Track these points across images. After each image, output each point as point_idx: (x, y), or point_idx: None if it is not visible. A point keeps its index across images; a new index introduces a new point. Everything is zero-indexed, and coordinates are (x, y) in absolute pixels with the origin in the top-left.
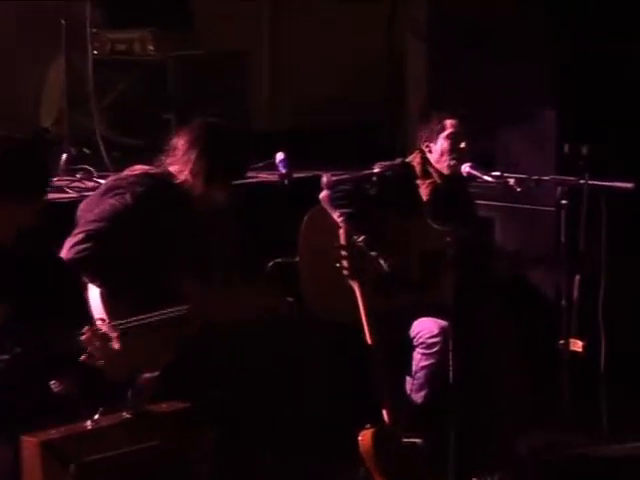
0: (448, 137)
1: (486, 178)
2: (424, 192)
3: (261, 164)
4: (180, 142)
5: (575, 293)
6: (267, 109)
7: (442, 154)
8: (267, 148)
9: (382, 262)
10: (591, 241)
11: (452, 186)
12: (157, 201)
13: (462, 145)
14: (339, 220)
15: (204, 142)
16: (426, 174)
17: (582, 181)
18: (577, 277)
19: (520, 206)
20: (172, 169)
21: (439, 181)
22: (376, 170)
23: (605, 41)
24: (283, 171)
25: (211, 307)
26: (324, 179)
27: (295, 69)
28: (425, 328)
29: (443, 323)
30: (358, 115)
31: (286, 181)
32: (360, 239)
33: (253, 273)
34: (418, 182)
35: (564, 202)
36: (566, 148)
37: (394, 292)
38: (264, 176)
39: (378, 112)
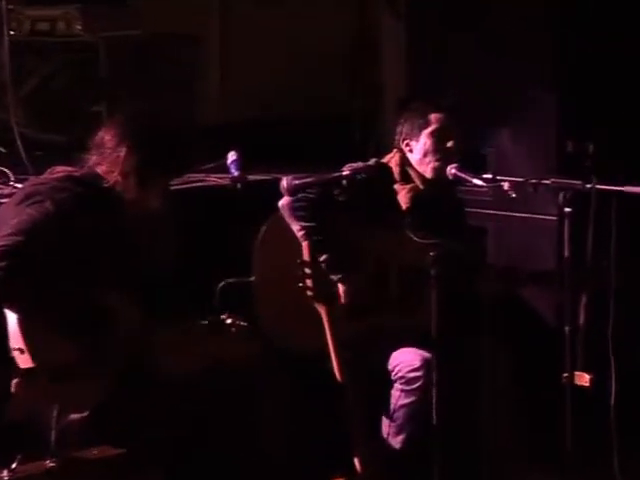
0: (432, 134)
1: (476, 182)
2: (403, 199)
3: (210, 165)
4: (107, 137)
5: (581, 317)
6: (217, 100)
7: (425, 154)
8: (217, 146)
9: (341, 290)
10: (600, 255)
11: (436, 192)
12: (83, 209)
13: (449, 144)
14: (301, 233)
15: (135, 136)
16: (405, 178)
17: (589, 185)
18: (583, 298)
19: (516, 214)
20: (99, 170)
21: (421, 186)
22: (346, 172)
23: (613, 26)
24: (235, 173)
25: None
26: (284, 183)
27: (250, 53)
28: (405, 360)
29: (426, 354)
30: (325, 107)
31: (239, 185)
32: (322, 259)
33: (198, 296)
34: (396, 187)
35: (568, 210)
36: (569, 146)
37: (368, 317)
38: (213, 179)
39: (348, 104)
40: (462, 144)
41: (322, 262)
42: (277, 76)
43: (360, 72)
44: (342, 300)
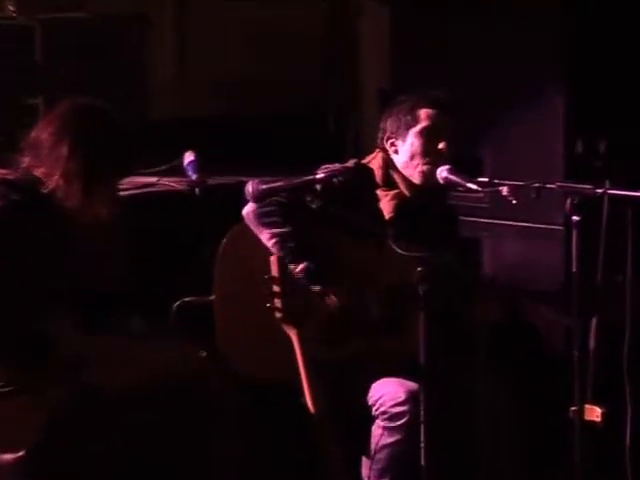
0: (422, 133)
1: (470, 186)
2: (387, 207)
3: (163, 166)
4: (44, 134)
5: (591, 342)
6: (172, 92)
7: (412, 156)
8: (172, 144)
9: (328, 300)
10: (613, 271)
11: (425, 199)
12: (19, 219)
13: (441, 145)
14: (270, 244)
15: (77, 132)
16: (389, 182)
17: (600, 190)
18: (594, 320)
19: (516, 224)
20: (38, 172)
21: (407, 193)
22: (320, 176)
23: (630, 10)
24: (193, 176)
25: (98, 366)
26: (249, 188)
27: (209, 39)
28: (388, 393)
29: (412, 386)
30: (295, 101)
31: (197, 190)
32: (298, 269)
33: (152, 316)
34: (379, 193)
35: (576, 218)
36: (578, 145)
37: (345, 342)
38: (167, 183)
39: (322, 96)
40: (456, 145)
41: (300, 272)
42: (241, 66)
43: (335, 60)
44: (331, 310)
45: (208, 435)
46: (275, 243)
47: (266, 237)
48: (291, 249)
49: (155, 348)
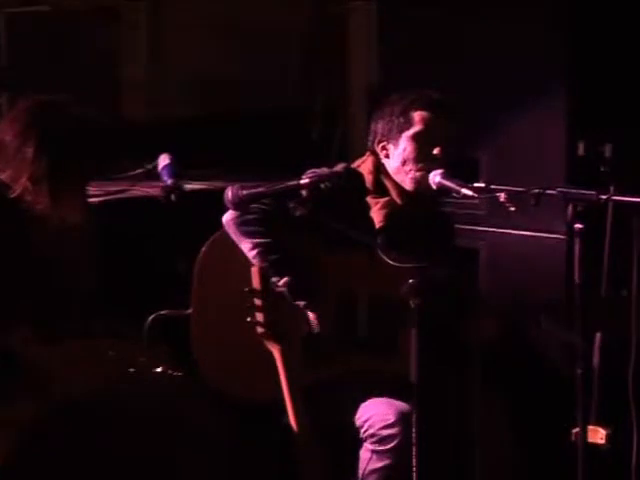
0: (415, 138)
1: (465, 192)
2: (377, 215)
3: (137, 171)
4: (8, 136)
5: (595, 358)
6: (146, 91)
7: (405, 162)
8: (146, 146)
9: (312, 317)
10: (618, 283)
11: (418, 207)
12: None
13: (435, 151)
14: (251, 254)
15: (43, 133)
16: (380, 189)
17: (604, 196)
18: (598, 336)
19: (515, 232)
20: (4, 176)
21: (398, 200)
22: (305, 181)
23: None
24: (168, 181)
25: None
26: (229, 194)
27: (184, 34)
28: (377, 414)
29: (403, 407)
30: (277, 100)
31: (173, 196)
32: (281, 282)
33: (125, 330)
34: (369, 200)
35: (578, 226)
36: (581, 148)
37: (332, 359)
38: (141, 188)
39: (305, 95)
40: (452, 150)
41: (283, 286)
42: (219, 64)
43: (320, 57)
44: (313, 329)
45: (176, 455)
46: (256, 254)
47: (247, 247)
48: (273, 261)
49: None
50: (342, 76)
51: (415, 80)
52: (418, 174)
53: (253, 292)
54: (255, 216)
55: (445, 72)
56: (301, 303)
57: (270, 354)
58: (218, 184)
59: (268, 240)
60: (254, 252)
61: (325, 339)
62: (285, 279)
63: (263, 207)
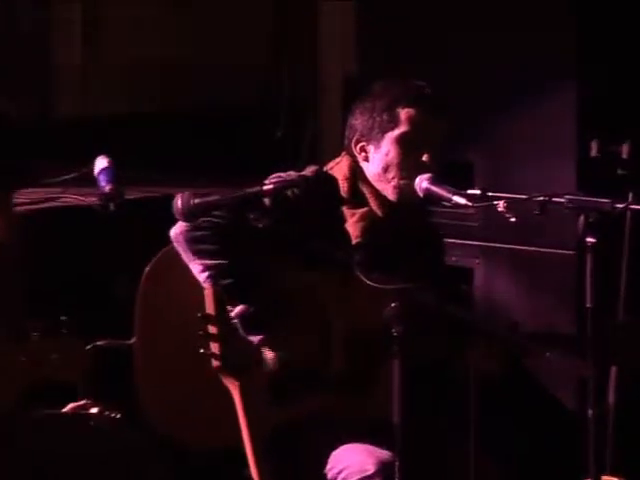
0: (401, 140)
1: (457, 200)
2: (354, 228)
3: (70, 175)
4: None
5: (610, 397)
6: (79, 84)
7: (387, 167)
8: (80, 147)
9: (269, 356)
10: (636, 307)
11: (401, 219)
12: None
13: (424, 157)
14: (201, 278)
15: None
16: (357, 197)
17: (621, 205)
18: (613, 370)
19: (517, 248)
20: None
21: (379, 211)
22: (269, 187)
23: None
24: (107, 188)
25: None
26: (179, 202)
27: (127, 14)
28: (353, 464)
29: (383, 454)
30: (238, 90)
31: (112, 204)
32: (234, 312)
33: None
34: (344, 211)
35: (591, 240)
36: (594, 148)
37: (300, 399)
38: (74, 196)
39: (271, 84)
40: (443, 155)
41: (236, 317)
42: (168, 49)
43: (288, 42)
44: (270, 371)
45: None
46: (207, 278)
47: (197, 269)
48: (227, 286)
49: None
50: (312, 63)
51: (399, 70)
52: (402, 182)
53: (207, 318)
54: (208, 232)
55: (436, 61)
56: (257, 338)
57: (228, 392)
58: (165, 191)
59: (221, 262)
60: (204, 275)
61: (292, 376)
62: (238, 309)
63: (218, 221)
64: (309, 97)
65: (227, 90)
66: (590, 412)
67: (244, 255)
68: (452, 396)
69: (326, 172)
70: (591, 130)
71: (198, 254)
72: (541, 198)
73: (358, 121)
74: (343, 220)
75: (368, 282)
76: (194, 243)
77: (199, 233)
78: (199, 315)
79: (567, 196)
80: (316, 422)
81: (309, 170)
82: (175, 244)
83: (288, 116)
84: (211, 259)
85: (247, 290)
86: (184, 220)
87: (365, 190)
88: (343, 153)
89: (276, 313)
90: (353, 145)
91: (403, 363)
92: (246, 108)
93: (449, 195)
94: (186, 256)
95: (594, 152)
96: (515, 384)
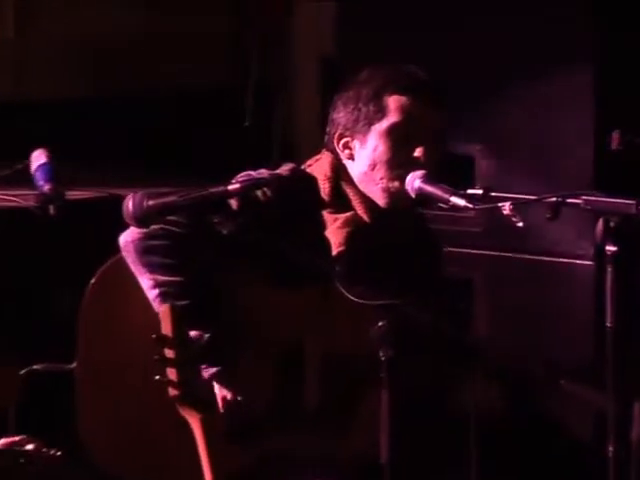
0: (391, 133)
1: (456, 201)
2: (336, 235)
3: (2, 172)
4: None
5: (635, 432)
6: (12, 65)
7: (375, 165)
8: (12, 138)
9: (221, 395)
10: None
11: (391, 226)
12: None
13: (417, 152)
14: (151, 295)
15: None
16: (340, 200)
17: None
18: (638, 404)
19: (525, 257)
20: None
21: (365, 217)
22: (235, 186)
23: None
24: (45, 187)
25: None
26: (130, 204)
27: None
28: None
29: None
30: (197, 72)
31: (51, 207)
32: (192, 335)
33: None
34: (325, 215)
35: (611, 249)
36: (614, 140)
37: (268, 438)
38: (7, 197)
39: (236, 68)
40: (440, 151)
41: (193, 342)
42: (114, 21)
43: (257, 17)
44: (222, 409)
45: None
46: (157, 296)
47: (147, 284)
48: (182, 308)
49: None
50: (285, 43)
51: (385, 51)
52: (393, 184)
53: (163, 340)
54: (162, 242)
55: (430, 42)
56: (209, 371)
57: (187, 425)
58: (114, 191)
59: (177, 279)
60: (154, 292)
61: (251, 416)
62: (192, 334)
63: (176, 230)
64: (282, 83)
65: (184, 70)
66: (611, 450)
67: (204, 269)
68: (450, 434)
69: (304, 171)
70: (611, 119)
71: (149, 267)
72: (553, 199)
73: (341, 114)
74: (323, 226)
75: (351, 297)
76: (146, 254)
77: (153, 242)
78: (154, 336)
79: (584, 197)
80: (286, 465)
81: (284, 168)
82: (124, 253)
83: (258, 104)
84: (164, 275)
85: (205, 314)
86: (136, 225)
87: (349, 192)
88: (323, 150)
89: (237, 341)
90: (335, 141)
91: (392, 394)
92: (207, 92)
93: (446, 196)
94: (135, 268)
95: (615, 145)
96: (524, 419)
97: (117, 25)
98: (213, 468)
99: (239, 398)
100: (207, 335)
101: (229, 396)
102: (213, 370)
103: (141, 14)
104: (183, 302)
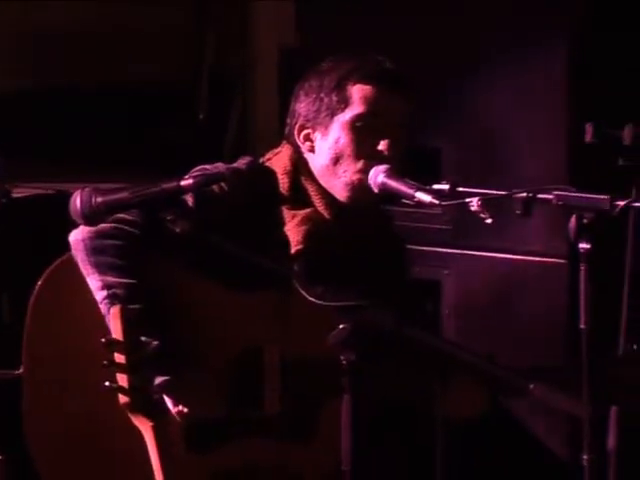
0: (354, 124)
1: (421, 197)
2: (294, 233)
3: None
4: None
5: (610, 440)
6: None
7: (337, 159)
8: None
9: (173, 406)
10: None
11: (353, 223)
12: None
13: (381, 145)
14: (99, 297)
15: None
16: (300, 196)
17: (622, 202)
18: (613, 410)
19: (494, 256)
20: None
21: (326, 213)
22: (188, 182)
23: None
24: None
25: None
26: (77, 201)
27: None
28: None
29: None
30: (147, 61)
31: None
32: (153, 345)
33: None
34: (284, 211)
35: (585, 246)
36: (589, 133)
37: (222, 448)
38: None
39: (189, 59)
40: (405, 143)
41: (143, 347)
42: (65, 11)
43: (210, 6)
44: (177, 420)
45: None
46: (106, 298)
47: (95, 285)
48: (132, 314)
49: None
50: (242, 32)
51: (349, 39)
52: (356, 178)
53: (113, 345)
54: (113, 242)
55: (396, 31)
56: (161, 379)
57: (139, 434)
58: (61, 187)
59: (128, 281)
60: (102, 294)
61: (216, 419)
62: (155, 344)
63: (129, 229)
64: (238, 72)
65: (135, 62)
66: (585, 458)
67: (154, 271)
68: (417, 444)
69: (262, 164)
70: (586, 110)
71: (99, 267)
72: (524, 194)
73: (302, 104)
74: (282, 223)
75: (310, 298)
76: (96, 253)
77: (105, 242)
78: (103, 340)
79: (556, 192)
80: (242, 476)
81: (241, 162)
82: (73, 252)
83: (212, 94)
84: (115, 276)
85: (156, 318)
86: (84, 223)
87: (309, 187)
88: (283, 142)
89: (187, 348)
90: (296, 133)
91: (353, 400)
92: (159, 83)
93: (410, 191)
94: (84, 268)
95: (589, 137)
96: (493, 428)
97: (68, 17)
98: (165, 477)
99: (185, 410)
100: (155, 343)
101: (177, 407)
102: (160, 380)
103: (92, 6)
104: (134, 305)
